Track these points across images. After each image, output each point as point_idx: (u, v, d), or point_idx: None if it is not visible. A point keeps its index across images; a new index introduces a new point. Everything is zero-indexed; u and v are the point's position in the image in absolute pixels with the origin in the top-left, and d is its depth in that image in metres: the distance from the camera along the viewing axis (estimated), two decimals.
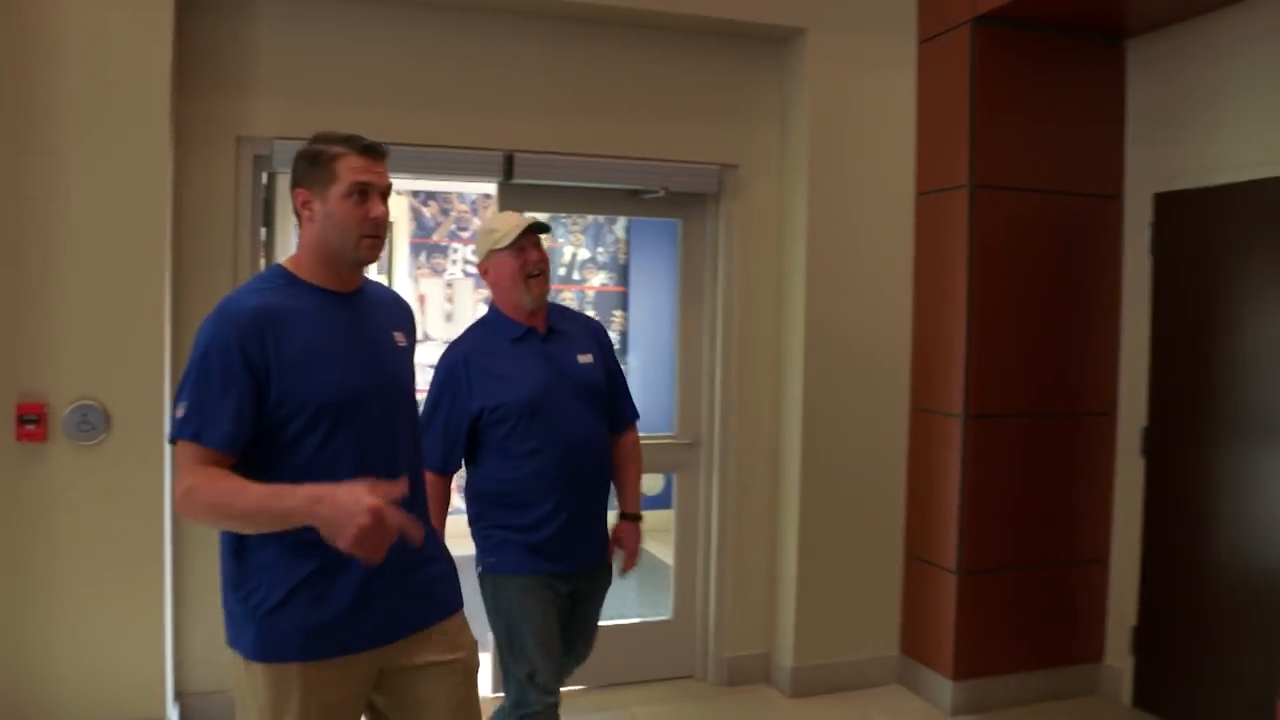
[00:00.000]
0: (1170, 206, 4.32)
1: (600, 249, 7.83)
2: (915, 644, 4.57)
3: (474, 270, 7.23)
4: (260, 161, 3.95)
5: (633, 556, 3.20)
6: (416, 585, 2.22)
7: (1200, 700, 4.06)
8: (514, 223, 2.98)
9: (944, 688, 4.32)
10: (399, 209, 4.80)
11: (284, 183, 3.97)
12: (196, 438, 2.01)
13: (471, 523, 3.03)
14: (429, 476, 2.64)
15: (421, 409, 2.67)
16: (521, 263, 2.96)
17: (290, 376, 2.06)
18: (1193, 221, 4.20)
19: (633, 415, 3.25)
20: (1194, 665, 4.09)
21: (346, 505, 1.85)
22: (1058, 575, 4.50)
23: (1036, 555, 4.45)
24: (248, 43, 3.87)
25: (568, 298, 7.59)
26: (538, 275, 2.98)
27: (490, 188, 4.76)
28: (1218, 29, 4.04)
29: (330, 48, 3.96)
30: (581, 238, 7.77)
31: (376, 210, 2.17)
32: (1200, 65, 4.13)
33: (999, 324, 4.34)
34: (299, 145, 2.22)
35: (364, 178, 2.16)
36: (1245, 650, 3.85)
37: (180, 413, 2.04)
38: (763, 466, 4.64)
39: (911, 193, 4.61)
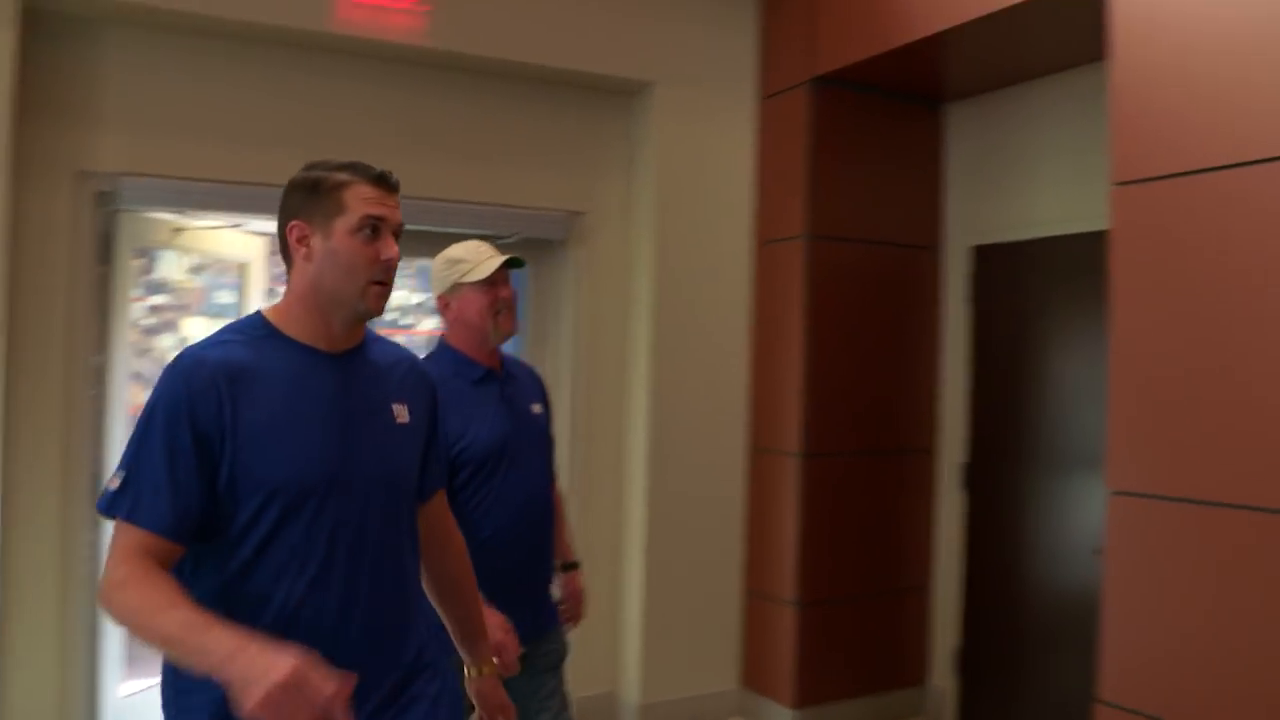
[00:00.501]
0: (985, 258, 4.68)
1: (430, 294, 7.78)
2: (755, 676, 4.74)
3: None
4: (102, 198, 3.82)
5: (580, 605, 3.08)
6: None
7: (1019, 714, 4.37)
8: (486, 254, 2.77)
9: (783, 717, 4.50)
10: (255, 251, 4.69)
11: (128, 222, 3.87)
12: (130, 517, 1.65)
13: None
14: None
15: None
16: (492, 298, 2.73)
17: (246, 452, 1.70)
18: (1006, 272, 4.57)
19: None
20: (1013, 682, 4.40)
21: (262, 664, 1.44)
22: (886, 603, 4.76)
23: (866, 585, 4.71)
24: (94, 73, 3.72)
25: (399, 342, 7.52)
26: (507, 312, 2.77)
27: None
28: (1026, 98, 4.43)
29: (179, 82, 3.84)
30: (414, 281, 7.73)
31: (390, 251, 1.82)
32: (1011, 130, 4.52)
33: (832, 367, 4.59)
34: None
35: (377, 211, 1.82)
36: (1060, 666, 4.18)
37: (115, 483, 1.69)
38: (607, 507, 4.73)
39: (750, 242, 4.83)
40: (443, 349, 2.83)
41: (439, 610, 2.14)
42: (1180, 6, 2.93)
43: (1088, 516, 4.04)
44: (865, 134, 4.68)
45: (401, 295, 7.67)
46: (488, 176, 4.42)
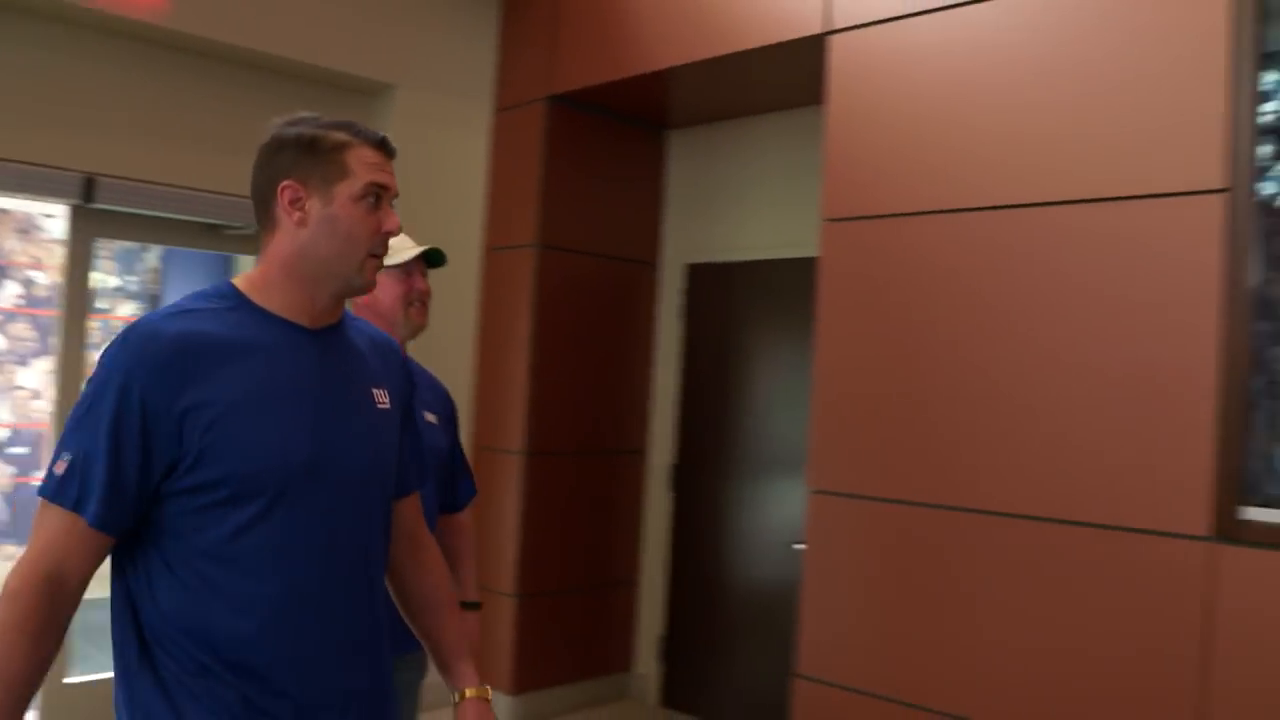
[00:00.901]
0: (698, 276, 5.10)
1: (130, 277, 7.42)
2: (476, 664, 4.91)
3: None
4: None
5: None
6: None
7: (720, 695, 4.80)
8: (407, 243, 2.64)
9: (502, 704, 4.70)
10: None
11: None
12: (78, 506, 1.50)
13: None
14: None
15: None
16: (408, 288, 2.61)
17: (211, 434, 1.53)
18: (717, 290, 4.99)
19: (473, 491, 2.88)
20: (714, 666, 4.82)
21: None
22: (598, 595, 5.07)
23: (580, 578, 5.00)
24: None
25: (94, 327, 7.11)
26: (420, 305, 2.65)
27: (58, 209, 4.49)
28: (746, 131, 4.88)
29: None
30: (112, 264, 7.32)
31: (392, 222, 1.69)
32: (729, 159, 4.95)
33: (555, 371, 4.85)
34: None
35: (381, 178, 1.68)
36: (757, 650, 4.63)
37: (61, 467, 1.52)
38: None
39: (480, 248, 5.00)
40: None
41: (413, 629, 1.95)
42: (890, 67, 3.38)
43: (785, 514, 4.51)
44: (594, 152, 4.97)
45: (98, 277, 7.25)
46: (229, 167, 4.30)
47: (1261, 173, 2.74)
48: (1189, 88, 2.70)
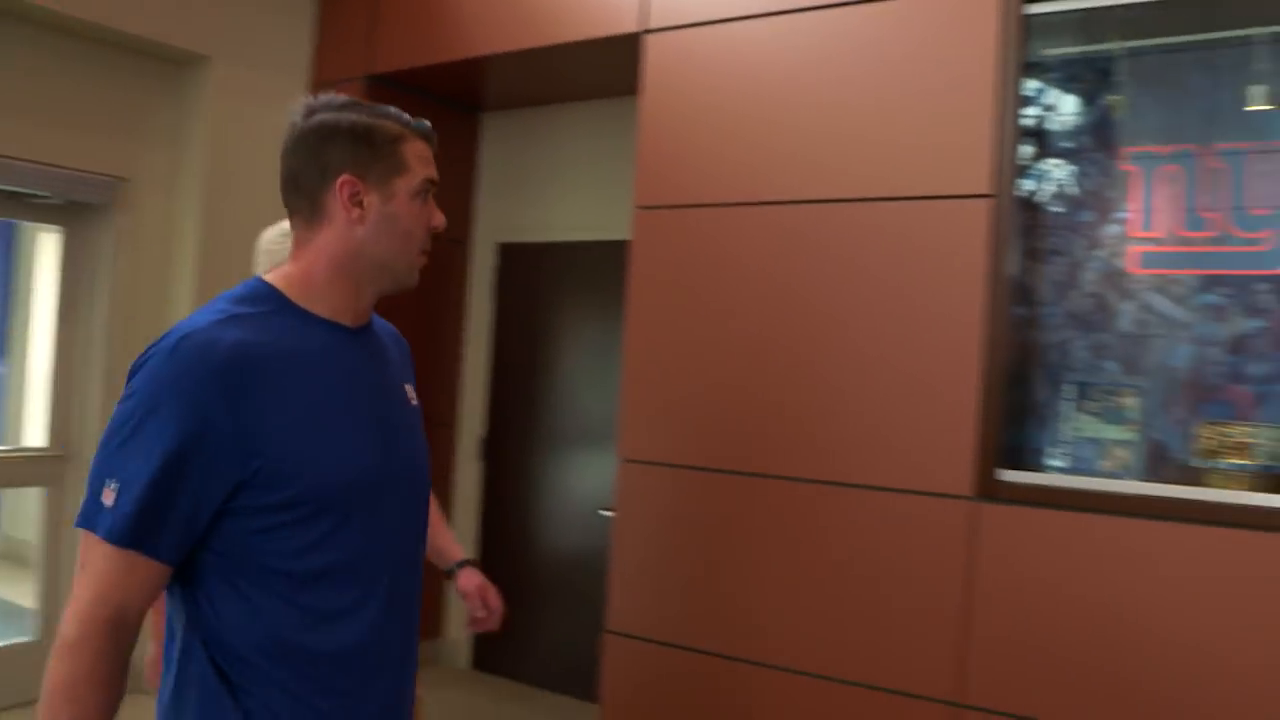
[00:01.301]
0: (511, 255, 5.26)
1: None
2: None
3: None
4: None
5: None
6: None
7: (531, 656, 5.02)
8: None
9: None
10: None
11: None
12: (137, 540, 1.37)
13: None
14: None
15: None
16: None
17: (279, 452, 1.44)
18: (529, 269, 5.17)
19: None
20: (524, 629, 5.01)
21: None
22: None
23: None
24: None
25: None
26: None
27: None
28: (561, 117, 5.07)
29: None
30: None
31: (440, 218, 1.64)
32: (543, 143, 5.13)
33: None
34: None
35: (432, 173, 1.63)
36: (566, 612, 4.86)
37: (110, 497, 1.39)
38: None
39: None
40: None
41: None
42: (702, 67, 3.59)
43: (592, 483, 4.75)
44: None
45: None
46: (31, 133, 4.19)
47: (1022, 173, 3.13)
48: (963, 98, 3.05)
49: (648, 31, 3.74)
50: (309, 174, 1.57)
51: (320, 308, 1.58)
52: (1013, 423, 3.09)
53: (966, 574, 2.92)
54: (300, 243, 1.60)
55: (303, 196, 1.59)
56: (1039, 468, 3.07)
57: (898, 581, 3.05)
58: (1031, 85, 3.18)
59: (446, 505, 5.33)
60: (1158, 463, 3.06)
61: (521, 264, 5.22)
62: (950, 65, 3.08)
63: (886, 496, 3.09)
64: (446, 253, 5.27)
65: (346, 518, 1.51)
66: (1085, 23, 3.17)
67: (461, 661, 5.24)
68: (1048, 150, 3.32)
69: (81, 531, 1.41)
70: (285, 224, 2.40)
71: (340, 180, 1.55)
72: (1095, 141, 3.29)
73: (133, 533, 1.37)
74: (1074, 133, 3.32)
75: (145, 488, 1.38)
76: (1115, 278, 3.24)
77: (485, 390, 5.29)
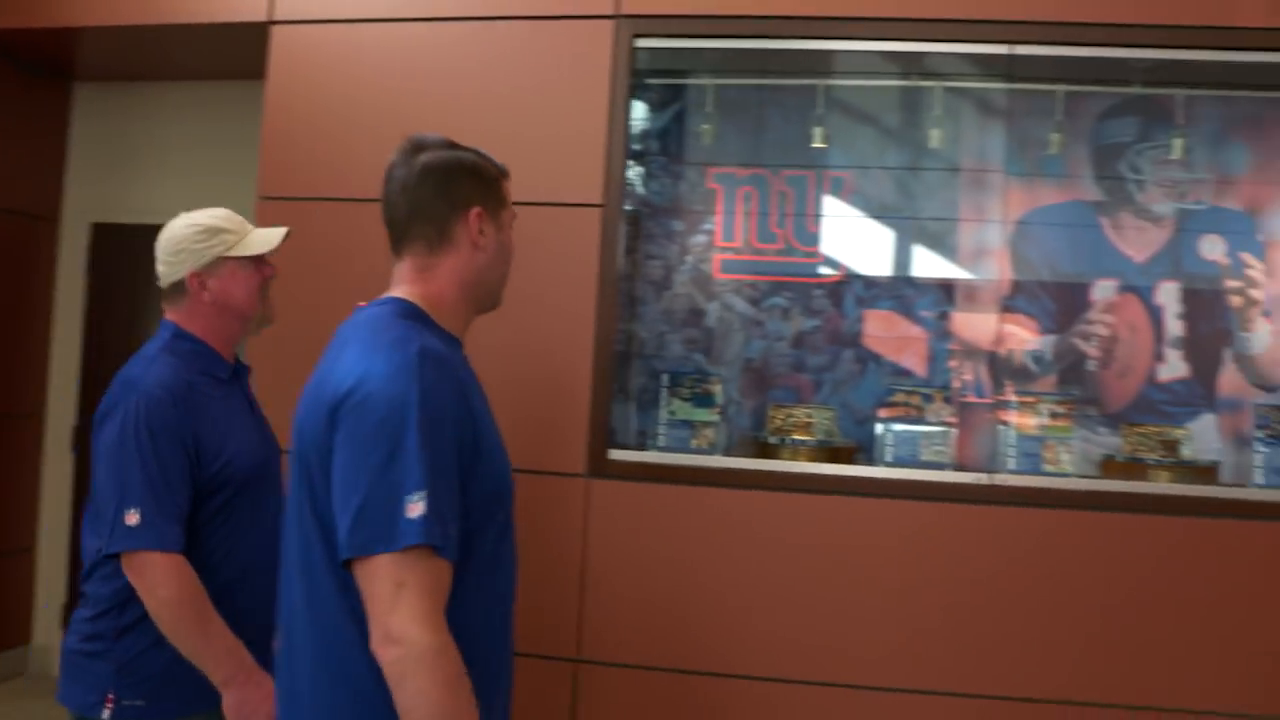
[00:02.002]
0: (107, 236, 5.00)
1: None
2: None
3: None
4: None
5: None
6: None
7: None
8: (250, 224, 2.42)
9: None
10: None
11: None
12: (444, 549, 1.52)
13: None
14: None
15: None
16: (262, 277, 2.39)
17: (481, 448, 1.65)
18: (127, 252, 4.94)
19: None
20: None
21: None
22: None
23: None
24: None
25: None
26: (269, 294, 2.44)
27: None
28: (165, 95, 4.88)
29: None
30: None
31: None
32: (145, 119, 4.92)
33: None
34: None
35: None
36: None
37: (417, 509, 1.49)
38: None
39: None
40: (178, 339, 2.33)
41: None
42: (331, 63, 3.63)
43: None
44: None
45: None
46: None
47: (628, 186, 3.53)
48: (580, 116, 3.35)
49: (274, 22, 3.75)
50: (438, 206, 1.75)
51: (449, 326, 1.77)
52: (620, 408, 3.50)
53: (583, 543, 3.28)
54: (424, 268, 1.77)
55: (430, 225, 1.75)
56: (643, 447, 3.50)
57: (524, 555, 3.34)
58: (639, 109, 3.59)
59: (33, 503, 4.99)
60: (739, 440, 3.61)
61: (121, 245, 4.97)
62: (569, 85, 3.40)
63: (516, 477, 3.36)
64: (26, 230, 4.92)
65: (509, 511, 1.77)
66: (685, 59, 3.63)
67: (54, 669, 4.93)
68: (650, 167, 3.77)
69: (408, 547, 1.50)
70: (199, 217, 2.39)
71: (473, 212, 1.76)
72: (688, 162, 3.79)
73: (438, 538, 1.51)
74: (671, 153, 3.79)
75: (444, 495, 1.53)
76: (702, 281, 3.75)
77: (78, 377, 5.00)
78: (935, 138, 3.62)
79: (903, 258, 3.83)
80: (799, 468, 3.24)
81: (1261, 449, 3.26)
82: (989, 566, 3.08)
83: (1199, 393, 3.70)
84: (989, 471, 3.22)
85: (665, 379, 3.54)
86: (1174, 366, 3.72)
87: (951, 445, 3.35)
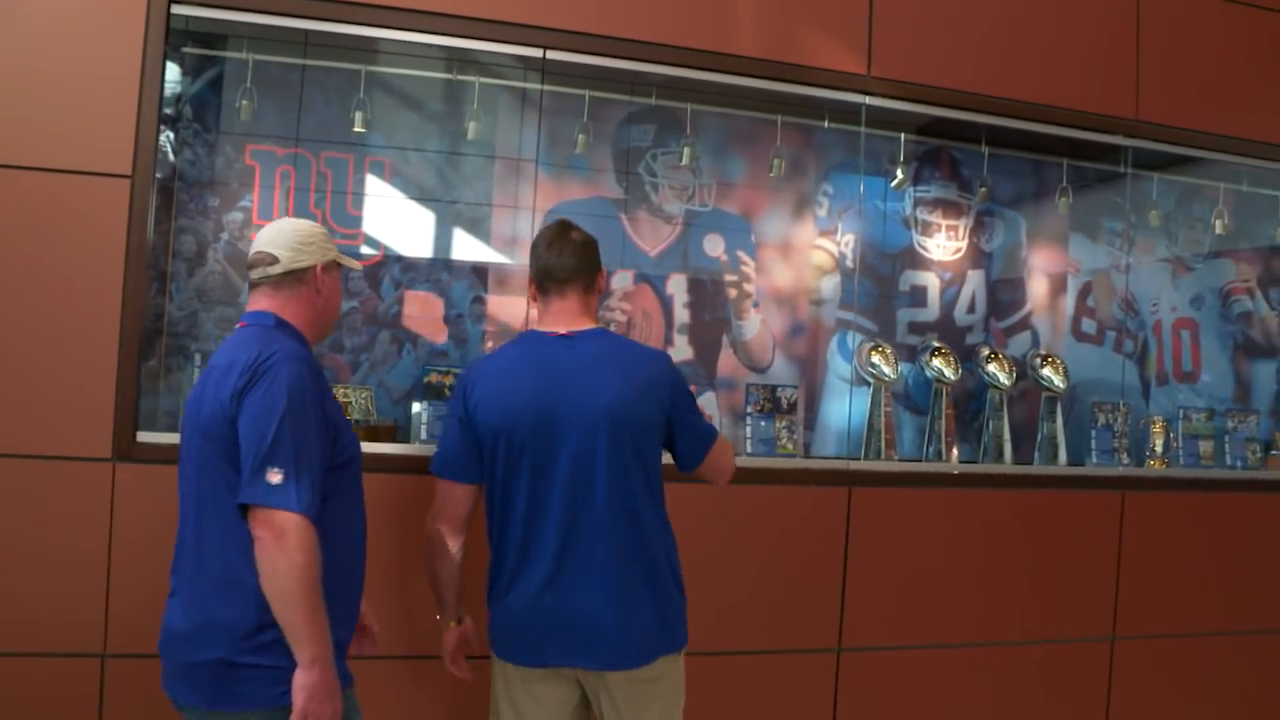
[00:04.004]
0: None
1: None
2: None
3: None
4: None
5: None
6: None
7: None
8: (325, 238, 2.54)
9: None
10: None
11: None
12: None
13: None
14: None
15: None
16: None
17: None
18: None
19: None
20: None
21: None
22: None
23: None
24: None
25: None
26: None
27: None
28: None
29: None
30: None
31: None
32: None
33: None
34: None
35: None
36: None
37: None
38: None
39: None
40: (285, 329, 2.39)
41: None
42: None
43: None
44: None
45: None
46: None
47: (162, 157, 3.37)
48: (107, 80, 3.09)
49: None
50: (594, 267, 2.77)
51: None
52: (149, 389, 3.34)
53: (109, 530, 3.10)
54: (587, 303, 2.75)
55: (592, 278, 2.75)
56: (174, 429, 3.34)
57: (44, 545, 3.09)
58: (175, 78, 3.43)
59: None
60: None
61: None
62: (96, 46, 3.15)
63: (26, 464, 3.10)
64: None
65: None
66: (226, 30, 3.51)
67: None
68: (185, 138, 3.61)
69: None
70: (307, 223, 2.54)
71: (602, 270, 2.82)
72: (225, 135, 3.68)
73: None
74: (209, 126, 3.66)
75: None
76: (238, 259, 3.67)
77: None
78: (473, 130, 3.80)
79: (441, 242, 3.98)
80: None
81: (751, 423, 3.79)
82: None
83: (702, 373, 4.20)
84: None
85: (198, 359, 3.43)
86: (681, 350, 4.19)
87: None
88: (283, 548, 2.09)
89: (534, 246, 2.76)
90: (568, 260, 2.67)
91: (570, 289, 2.68)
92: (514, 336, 3.15)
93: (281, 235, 2.43)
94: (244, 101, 3.58)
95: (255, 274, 2.43)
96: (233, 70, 3.64)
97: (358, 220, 3.83)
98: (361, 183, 3.83)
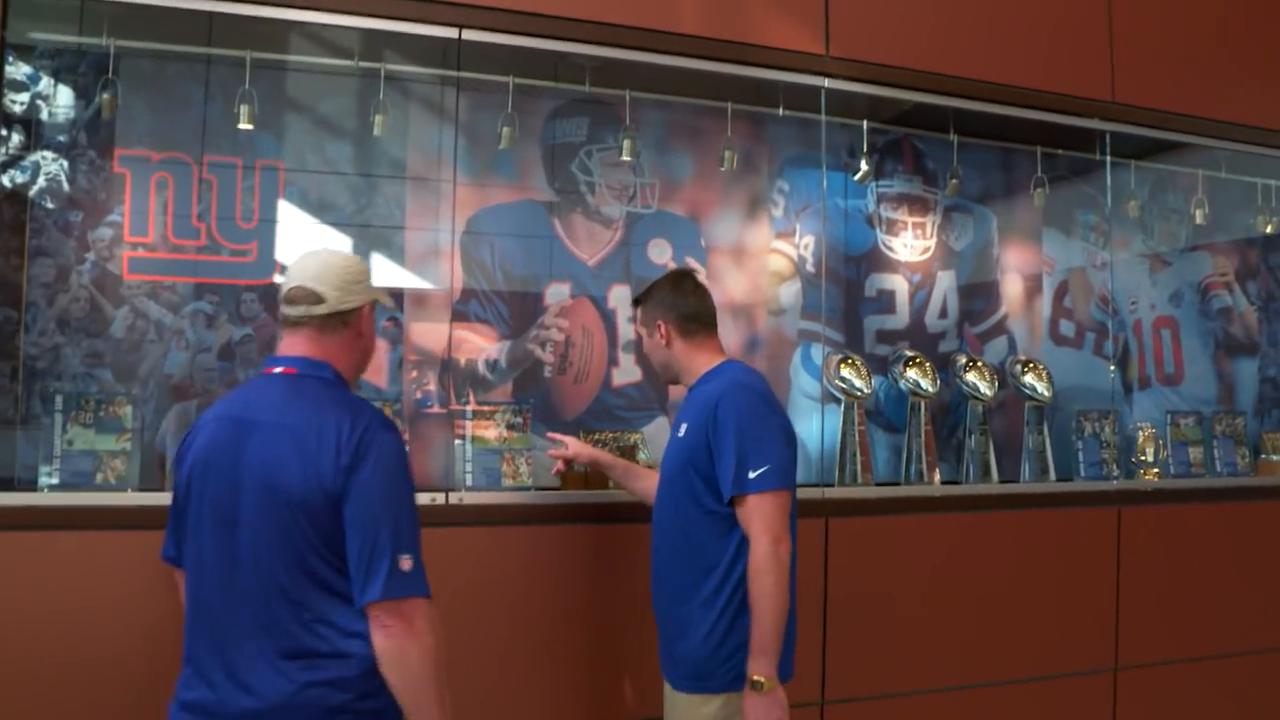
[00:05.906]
0: None
1: None
2: None
3: None
4: None
5: None
6: None
7: None
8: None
9: None
10: None
11: None
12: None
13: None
14: None
15: None
16: None
17: None
18: None
19: None
20: None
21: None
22: None
23: None
24: None
25: None
26: None
27: None
28: None
29: None
30: None
31: None
32: None
33: None
34: None
35: None
36: None
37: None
38: None
39: None
40: (340, 381, 2.18)
41: None
42: None
43: None
44: None
45: None
46: None
47: (8, 165, 2.85)
48: None
49: None
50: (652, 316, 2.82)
51: None
52: (3, 438, 2.81)
53: None
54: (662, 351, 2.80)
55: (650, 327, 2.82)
56: (34, 486, 2.80)
57: None
58: (22, 73, 2.91)
59: None
60: (158, 470, 3.04)
61: None
62: None
63: None
64: None
65: None
66: (80, 13, 2.98)
67: None
68: (37, 142, 3.08)
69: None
70: (350, 258, 2.30)
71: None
72: (88, 139, 3.15)
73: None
74: (66, 127, 3.13)
75: None
76: (108, 282, 3.14)
77: None
78: (380, 124, 3.29)
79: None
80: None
81: None
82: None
83: (651, 395, 3.73)
84: (446, 490, 2.97)
85: (59, 401, 2.87)
86: (627, 371, 3.73)
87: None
88: (414, 634, 1.97)
89: None
90: (685, 305, 2.78)
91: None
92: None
93: (330, 271, 2.17)
94: (106, 96, 3.04)
95: (295, 312, 2.15)
96: (93, 62, 3.11)
97: (249, 234, 3.31)
98: (251, 192, 3.32)
